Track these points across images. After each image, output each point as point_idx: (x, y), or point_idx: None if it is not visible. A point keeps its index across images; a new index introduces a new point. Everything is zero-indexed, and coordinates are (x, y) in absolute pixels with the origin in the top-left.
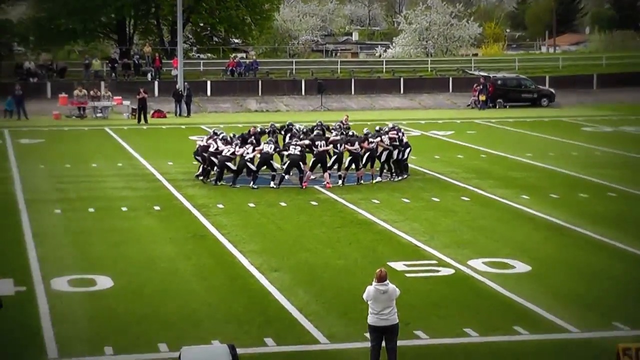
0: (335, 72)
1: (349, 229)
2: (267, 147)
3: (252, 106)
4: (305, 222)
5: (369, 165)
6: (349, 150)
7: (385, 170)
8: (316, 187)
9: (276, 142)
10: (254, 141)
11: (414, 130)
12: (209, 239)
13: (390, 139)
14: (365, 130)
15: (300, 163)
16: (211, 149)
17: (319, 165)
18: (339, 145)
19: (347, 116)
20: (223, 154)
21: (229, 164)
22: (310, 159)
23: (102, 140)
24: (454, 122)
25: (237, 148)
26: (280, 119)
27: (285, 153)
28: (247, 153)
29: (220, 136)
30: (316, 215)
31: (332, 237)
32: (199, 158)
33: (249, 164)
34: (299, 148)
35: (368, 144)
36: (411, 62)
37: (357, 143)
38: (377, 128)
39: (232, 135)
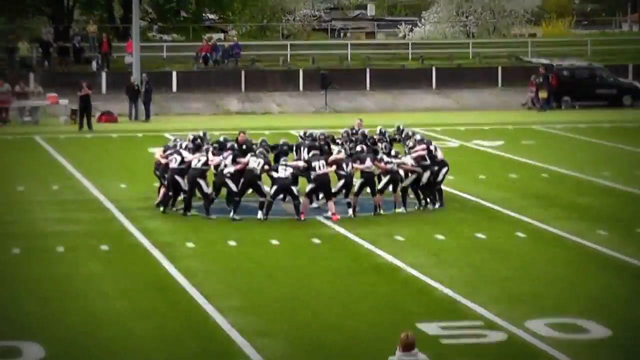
0: (345, 58)
1: (365, 276)
2: (254, 163)
3: (232, 106)
4: (304, 268)
5: (390, 188)
6: (360, 171)
7: (411, 197)
8: (319, 218)
9: (266, 157)
10: (237, 151)
11: (451, 140)
12: (175, 290)
13: (416, 158)
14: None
15: (292, 188)
16: (173, 165)
17: (321, 192)
18: (344, 165)
19: (361, 120)
20: (193, 166)
21: (201, 181)
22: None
23: (31, 153)
24: (505, 129)
25: (210, 155)
26: (271, 124)
27: (274, 175)
28: (226, 165)
29: (184, 144)
30: (320, 258)
31: (342, 289)
32: (161, 179)
33: (228, 181)
34: (289, 170)
35: (385, 164)
36: (446, 46)
37: (368, 160)
38: (396, 126)
39: (201, 134)
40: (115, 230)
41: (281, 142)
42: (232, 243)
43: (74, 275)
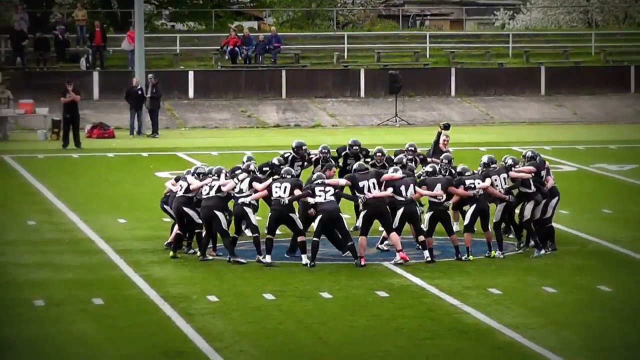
0: (422, 55)
1: (448, 340)
2: (278, 190)
3: (269, 117)
4: (367, 330)
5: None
6: (430, 198)
7: (509, 236)
8: (386, 264)
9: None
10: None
11: (565, 163)
12: (193, 359)
13: (514, 180)
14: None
15: (341, 217)
16: (178, 192)
17: (377, 222)
18: (404, 188)
19: (447, 137)
20: (179, 193)
21: (188, 210)
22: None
23: (0, 178)
24: (639, 148)
25: (190, 178)
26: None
27: (311, 201)
28: (241, 189)
29: (192, 169)
30: (388, 317)
31: (418, 357)
32: (170, 212)
33: (247, 209)
34: (330, 191)
35: (465, 189)
36: (560, 39)
37: (439, 186)
38: (486, 160)
39: (220, 171)
40: (112, 279)
41: (350, 141)
42: (268, 296)
43: (58, 337)
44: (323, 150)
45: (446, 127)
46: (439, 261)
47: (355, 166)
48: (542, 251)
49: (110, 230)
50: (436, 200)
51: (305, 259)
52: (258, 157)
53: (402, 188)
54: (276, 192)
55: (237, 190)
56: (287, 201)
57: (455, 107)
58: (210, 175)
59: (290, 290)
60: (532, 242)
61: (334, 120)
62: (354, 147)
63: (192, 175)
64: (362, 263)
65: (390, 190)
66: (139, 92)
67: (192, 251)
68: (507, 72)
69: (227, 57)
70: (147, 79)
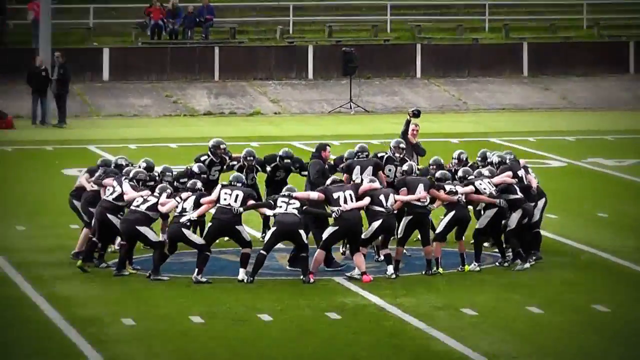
0: (382, 29)
1: None
2: (227, 194)
3: (200, 103)
4: (315, 359)
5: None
6: (408, 205)
7: (488, 245)
8: (338, 279)
9: (249, 189)
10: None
11: (553, 157)
12: None
13: (497, 185)
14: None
15: (300, 232)
16: (107, 196)
17: (346, 238)
18: (383, 198)
19: (417, 126)
20: (108, 198)
21: (113, 219)
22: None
23: None
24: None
25: (126, 186)
26: (262, 133)
27: (269, 213)
28: (184, 209)
29: (132, 173)
30: (340, 343)
31: None
32: (80, 210)
33: (185, 231)
34: (295, 204)
35: (448, 193)
36: (545, 9)
37: (421, 187)
38: (456, 156)
39: (164, 190)
40: (8, 298)
41: (281, 152)
42: (195, 319)
43: None
44: (248, 157)
45: (416, 114)
46: (403, 276)
47: (328, 182)
48: (527, 264)
49: (5, 239)
50: (419, 204)
51: (242, 275)
52: (186, 150)
53: (382, 197)
54: (225, 200)
55: (178, 210)
56: (241, 210)
57: (422, 90)
58: (149, 183)
59: (223, 311)
60: (510, 253)
61: (276, 107)
62: (286, 160)
63: (130, 181)
64: (311, 280)
65: (367, 200)
66: (44, 73)
67: (104, 265)
68: (484, 50)
69: (149, 32)
70: (54, 58)
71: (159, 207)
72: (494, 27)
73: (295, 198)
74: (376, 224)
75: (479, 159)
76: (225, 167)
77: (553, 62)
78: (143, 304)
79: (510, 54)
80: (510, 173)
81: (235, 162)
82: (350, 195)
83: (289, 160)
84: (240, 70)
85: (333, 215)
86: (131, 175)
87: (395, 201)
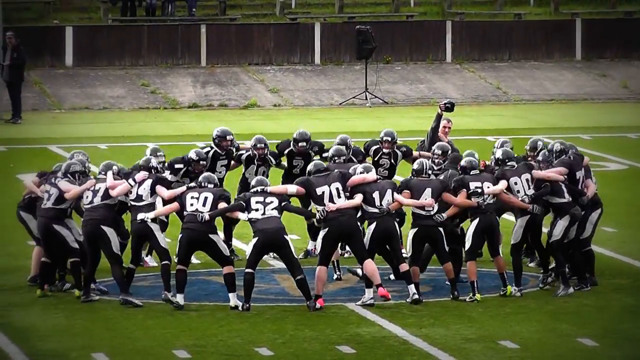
0: (405, 2)
1: None
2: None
3: (184, 94)
4: None
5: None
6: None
7: (529, 264)
8: (350, 306)
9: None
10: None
11: (612, 159)
12: None
13: (540, 180)
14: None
15: (287, 241)
16: (45, 203)
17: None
18: (377, 195)
19: (449, 122)
20: (46, 205)
21: (59, 229)
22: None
23: None
24: None
25: (63, 183)
26: (258, 129)
27: (243, 217)
28: (139, 195)
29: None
30: None
31: None
32: (28, 223)
33: (153, 226)
34: (273, 203)
35: (467, 195)
36: None
37: (429, 192)
38: (501, 155)
39: (109, 167)
40: None
41: (295, 135)
42: (180, 354)
43: None
44: (258, 145)
45: (448, 107)
46: (428, 301)
47: (310, 167)
48: (571, 289)
49: None
50: (423, 213)
51: (233, 300)
52: (167, 150)
53: (376, 195)
54: (192, 205)
55: (132, 196)
56: (207, 217)
57: (453, 78)
58: (88, 174)
59: (213, 344)
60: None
61: (276, 98)
62: (301, 144)
63: (65, 176)
64: (319, 305)
65: (359, 198)
66: None
67: (67, 286)
68: (528, 28)
69: (120, 7)
70: (5, 39)
71: (110, 192)
72: (540, 0)
73: (271, 194)
74: (370, 228)
75: (528, 147)
76: (233, 162)
77: (612, 43)
78: (117, 335)
79: (560, 33)
80: (564, 169)
81: (244, 151)
82: (338, 189)
83: (304, 144)
84: (232, 53)
85: (317, 215)
86: (63, 170)
87: (394, 201)
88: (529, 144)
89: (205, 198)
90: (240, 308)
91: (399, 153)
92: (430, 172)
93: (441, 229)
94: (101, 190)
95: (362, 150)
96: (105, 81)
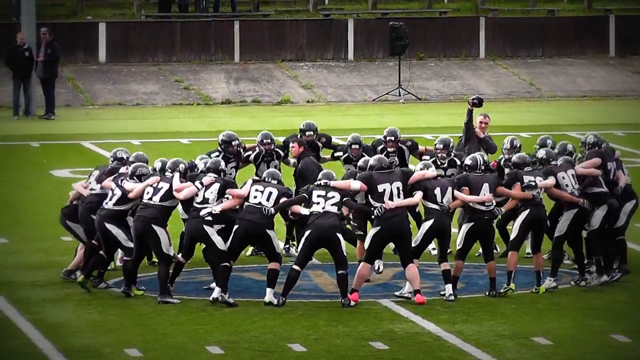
0: None
1: None
2: (258, 191)
3: (217, 90)
4: None
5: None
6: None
7: (570, 261)
8: (384, 302)
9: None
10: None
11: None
12: None
13: (581, 177)
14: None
15: (339, 238)
16: (108, 203)
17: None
18: (439, 192)
19: (486, 117)
20: (107, 205)
21: (112, 229)
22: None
23: None
24: None
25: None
26: (291, 125)
27: (304, 211)
28: (205, 198)
29: (131, 168)
30: None
31: None
32: (76, 231)
33: (207, 228)
34: (334, 198)
35: (522, 188)
36: None
37: (487, 187)
38: (544, 155)
39: (176, 165)
40: None
41: (301, 125)
42: (213, 350)
43: None
44: (265, 141)
45: (476, 103)
46: (462, 297)
47: (371, 162)
48: (604, 277)
49: None
50: (483, 208)
51: (269, 296)
52: (200, 147)
53: (437, 192)
54: (255, 197)
55: (199, 199)
56: (272, 211)
57: (486, 74)
58: (156, 173)
59: (246, 340)
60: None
61: (309, 94)
62: (308, 133)
63: (132, 178)
64: (353, 302)
65: (419, 196)
66: (27, 53)
67: (103, 285)
68: (561, 24)
69: (155, 2)
70: (40, 35)
71: (175, 194)
72: None
73: (334, 188)
74: (427, 224)
75: (581, 145)
76: (241, 162)
77: None
78: (150, 331)
79: (594, 29)
80: (598, 160)
81: (250, 152)
82: (399, 189)
83: (311, 133)
84: (265, 49)
85: (375, 212)
86: (131, 170)
87: (455, 198)
88: (559, 145)
89: (270, 193)
90: (275, 303)
91: (405, 148)
92: (483, 167)
93: (494, 225)
94: (163, 190)
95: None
96: (139, 77)
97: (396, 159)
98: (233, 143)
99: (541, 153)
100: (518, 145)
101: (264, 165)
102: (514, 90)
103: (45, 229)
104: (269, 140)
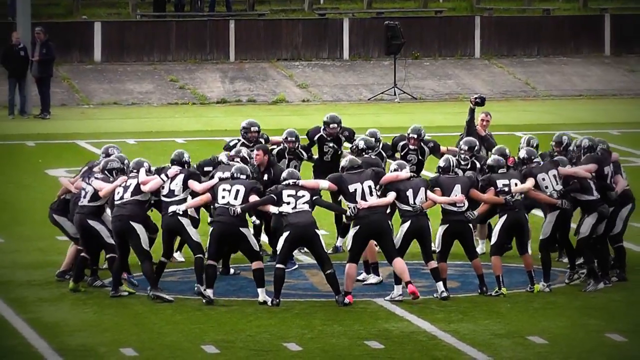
0: None
1: None
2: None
3: (212, 89)
4: None
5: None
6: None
7: (561, 259)
8: (379, 301)
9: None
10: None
11: (639, 155)
12: None
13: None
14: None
15: (318, 235)
16: (82, 200)
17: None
18: (411, 193)
19: (487, 116)
20: (83, 202)
21: (95, 225)
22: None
23: None
24: None
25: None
26: (288, 124)
27: (274, 210)
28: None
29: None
30: None
31: None
32: (63, 226)
33: (183, 220)
34: (304, 197)
35: (496, 193)
36: None
37: (459, 188)
38: (525, 154)
39: (140, 165)
40: None
41: (325, 118)
42: (209, 349)
43: None
44: (289, 138)
45: (478, 102)
46: (457, 297)
47: (343, 162)
48: (601, 284)
49: None
50: (454, 209)
51: (263, 295)
52: (196, 146)
53: (410, 193)
54: (223, 198)
55: (165, 191)
56: (239, 210)
57: (481, 73)
58: (126, 171)
59: (241, 339)
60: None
61: (304, 94)
62: (332, 125)
63: (102, 173)
64: (347, 301)
65: (392, 196)
66: (22, 53)
67: (98, 283)
68: (556, 23)
69: (150, 2)
70: (34, 35)
71: (141, 187)
72: None
73: (303, 187)
74: (404, 227)
75: (553, 143)
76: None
77: None
78: (146, 330)
79: (589, 28)
80: (593, 166)
81: (274, 145)
82: (370, 187)
83: (335, 125)
84: (260, 48)
85: (348, 212)
86: (102, 165)
87: (427, 199)
88: (554, 138)
89: (237, 191)
90: (269, 303)
91: (427, 149)
92: (456, 169)
93: (470, 226)
94: (132, 186)
95: (391, 145)
96: (134, 77)
97: (415, 157)
98: (252, 129)
99: (522, 153)
100: (535, 144)
101: (284, 162)
102: (510, 89)
103: (41, 229)
104: (294, 139)
